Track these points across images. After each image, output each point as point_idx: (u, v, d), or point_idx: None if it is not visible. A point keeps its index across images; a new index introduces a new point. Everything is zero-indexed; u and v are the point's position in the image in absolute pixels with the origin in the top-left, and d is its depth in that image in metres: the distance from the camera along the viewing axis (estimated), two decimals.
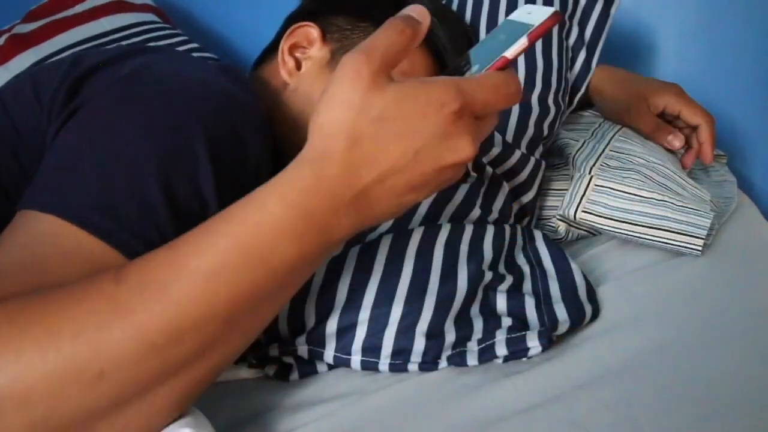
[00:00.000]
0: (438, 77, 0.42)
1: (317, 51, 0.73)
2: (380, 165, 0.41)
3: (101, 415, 0.38)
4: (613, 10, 0.86)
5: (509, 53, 0.44)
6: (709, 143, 0.79)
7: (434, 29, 0.76)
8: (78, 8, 1.07)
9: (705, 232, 0.65)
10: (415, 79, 0.41)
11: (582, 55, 0.84)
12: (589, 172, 0.73)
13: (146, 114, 0.50)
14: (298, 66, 0.73)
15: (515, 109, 0.75)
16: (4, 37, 1.04)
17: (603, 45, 0.85)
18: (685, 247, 0.66)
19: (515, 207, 0.72)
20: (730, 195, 0.79)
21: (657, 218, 0.68)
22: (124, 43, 1.03)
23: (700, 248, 0.65)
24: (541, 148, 0.75)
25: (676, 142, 0.79)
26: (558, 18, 0.45)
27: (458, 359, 0.51)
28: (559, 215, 0.75)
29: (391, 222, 0.62)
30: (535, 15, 0.46)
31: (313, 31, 0.73)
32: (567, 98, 0.82)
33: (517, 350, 0.50)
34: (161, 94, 0.51)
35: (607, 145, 0.77)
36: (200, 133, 0.49)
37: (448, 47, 0.76)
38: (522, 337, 0.50)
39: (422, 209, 0.64)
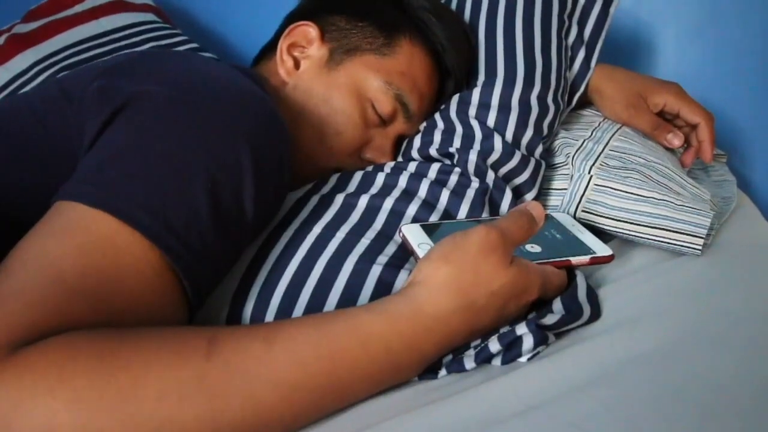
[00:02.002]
0: (532, 268, 0.51)
1: (316, 50, 0.74)
2: (475, 330, 0.49)
3: None
4: (612, 10, 0.86)
5: (574, 260, 0.57)
6: (709, 141, 0.79)
7: (433, 28, 0.76)
8: (77, 8, 1.07)
9: (705, 232, 0.65)
10: (524, 266, 0.50)
11: (581, 54, 0.84)
12: (589, 172, 0.73)
13: (199, 120, 0.50)
14: (297, 65, 0.74)
15: (515, 109, 0.75)
16: (4, 36, 1.04)
17: (602, 44, 0.85)
18: (686, 247, 0.66)
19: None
20: (729, 194, 0.79)
21: (657, 218, 0.68)
22: (124, 42, 1.02)
23: (700, 248, 0.65)
24: (540, 148, 0.75)
25: (676, 140, 0.79)
26: (612, 258, 0.59)
27: (457, 366, 0.50)
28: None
29: (378, 229, 0.62)
30: (587, 237, 0.61)
31: (311, 30, 0.75)
32: (566, 97, 0.82)
33: (509, 342, 0.50)
34: (216, 102, 0.52)
35: (607, 144, 0.77)
36: (248, 146, 0.50)
37: (446, 46, 0.76)
38: (512, 330, 0.50)
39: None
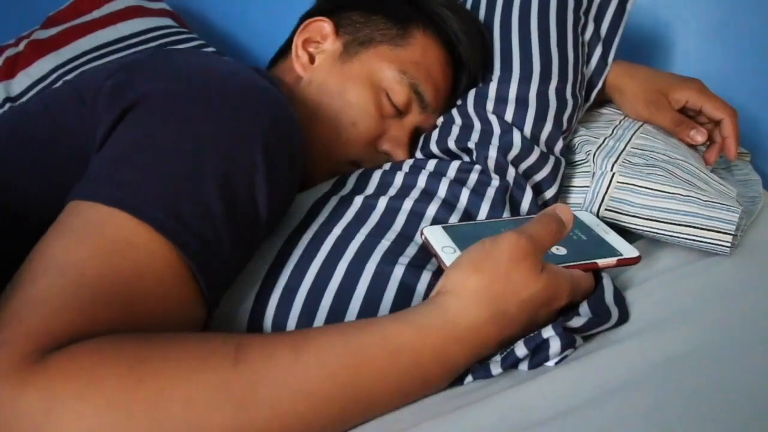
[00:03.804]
0: (562, 274, 0.51)
1: (330, 44, 0.75)
2: (504, 338, 0.48)
3: None
4: (629, 6, 0.85)
5: (600, 263, 0.56)
6: (733, 137, 0.78)
7: (447, 20, 0.77)
8: (95, 14, 1.08)
9: (734, 228, 0.63)
10: (553, 272, 0.49)
11: (598, 51, 0.83)
12: (611, 169, 0.72)
13: (211, 117, 0.50)
14: (312, 60, 0.76)
15: (532, 103, 0.74)
16: (24, 42, 1.05)
17: (619, 40, 0.84)
18: (714, 244, 0.64)
19: (539, 204, 0.71)
20: (756, 194, 0.77)
21: (684, 215, 0.66)
22: (142, 47, 1.03)
23: (729, 245, 0.64)
24: (560, 143, 0.74)
25: (699, 136, 0.77)
26: (639, 260, 0.58)
27: (483, 372, 0.49)
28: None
29: (398, 230, 0.61)
30: (614, 238, 0.59)
31: (326, 25, 0.76)
32: (584, 92, 0.81)
33: (535, 346, 0.49)
34: (228, 98, 0.52)
35: (629, 142, 0.76)
36: (260, 143, 0.50)
37: (460, 38, 0.77)
38: (538, 333, 0.49)
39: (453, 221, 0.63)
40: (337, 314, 0.54)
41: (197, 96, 0.52)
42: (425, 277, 0.57)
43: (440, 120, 0.77)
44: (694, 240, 0.66)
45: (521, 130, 0.73)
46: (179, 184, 0.47)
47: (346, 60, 0.74)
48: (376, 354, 0.43)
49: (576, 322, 0.50)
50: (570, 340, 0.50)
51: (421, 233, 0.57)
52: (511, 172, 0.69)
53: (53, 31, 1.06)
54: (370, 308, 0.55)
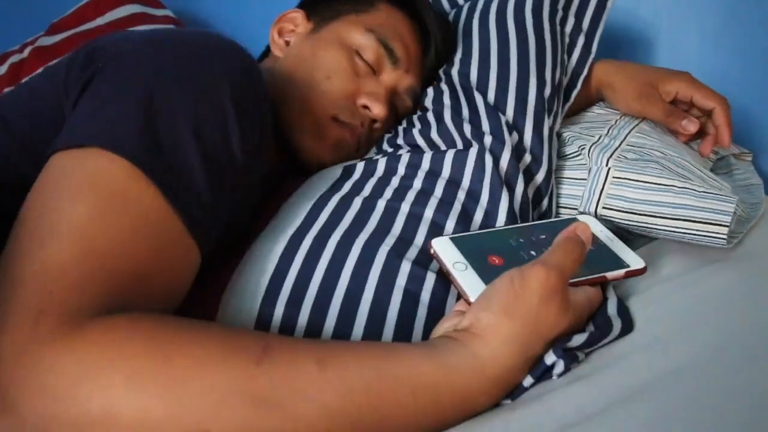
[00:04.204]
0: (583, 304, 0.50)
1: (302, 28, 0.82)
2: (526, 374, 0.47)
3: None
4: (610, 3, 0.87)
5: (609, 276, 0.55)
6: (726, 126, 0.77)
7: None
8: (99, 21, 1.10)
9: (729, 218, 0.63)
10: (578, 306, 0.49)
11: (581, 41, 0.85)
12: (606, 164, 0.72)
13: (178, 67, 0.52)
14: (287, 44, 0.82)
15: (512, 84, 0.77)
16: (28, 49, 1.07)
17: (602, 31, 0.86)
18: (710, 237, 0.64)
19: (530, 190, 0.71)
20: (757, 200, 0.76)
21: (679, 207, 0.65)
22: None
23: (725, 237, 0.63)
24: (547, 123, 0.75)
25: (691, 126, 0.77)
26: (645, 270, 0.57)
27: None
28: (580, 212, 0.73)
29: (397, 234, 0.62)
30: (619, 247, 0.58)
31: (297, 14, 0.83)
32: (567, 78, 0.83)
33: (541, 372, 0.47)
34: (192, 50, 0.54)
35: (623, 140, 0.76)
36: (227, 88, 0.52)
37: (422, 9, 0.82)
38: (542, 362, 0.48)
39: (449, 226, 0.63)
40: (345, 321, 0.54)
41: (163, 51, 0.54)
42: (429, 279, 0.57)
43: (429, 101, 0.80)
44: (690, 234, 0.65)
45: (504, 112, 0.74)
46: (155, 128, 0.48)
47: (316, 32, 0.80)
48: (399, 386, 0.43)
49: (576, 341, 0.49)
50: (572, 358, 0.49)
51: (430, 246, 0.56)
52: (505, 156, 0.70)
53: (57, 37, 1.08)
54: (376, 313, 0.55)
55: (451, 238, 0.56)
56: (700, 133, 0.81)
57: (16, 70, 1.05)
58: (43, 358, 0.37)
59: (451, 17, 0.91)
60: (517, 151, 0.72)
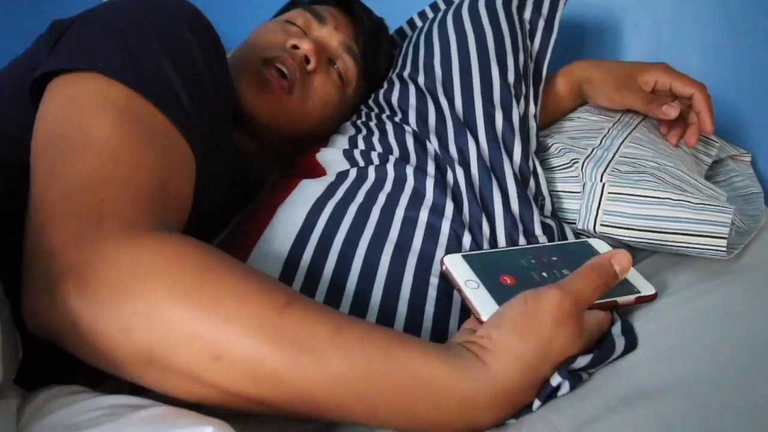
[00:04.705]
0: (593, 319, 0.50)
1: None
2: (533, 395, 0.47)
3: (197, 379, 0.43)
4: None
5: (620, 301, 0.54)
6: (707, 111, 0.78)
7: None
8: None
9: (726, 230, 0.63)
10: (590, 331, 0.49)
11: (541, 24, 0.87)
12: (601, 180, 0.72)
13: (138, 12, 0.58)
14: None
15: (476, 74, 0.79)
16: None
17: (562, 13, 0.88)
18: (710, 250, 0.64)
19: (516, 168, 0.73)
20: (757, 211, 0.75)
21: (676, 221, 0.65)
22: None
23: (724, 249, 0.63)
24: (516, 108, 0.77)
25: (672, 111, 0.77)
26: (656, 297, 0.57)
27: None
28: (579, 230, 0.73)
29: (395, 239, 0.63)
30: (631, 273, 0.56)
31: None
32: (533, 63, 0.84)
33: (547, 394, 0.47)
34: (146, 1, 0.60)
35: (617, 151, 0.76)
36: (186, 23, 0.59)
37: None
38: (548, 384, 0.47)
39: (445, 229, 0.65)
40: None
41: (120, 3, 0.60)
42: (431, 291, 0.59)
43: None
44: (690, 247, 0.65)
45: (470, 92, 0.78)
46: (135, 55, 0.54)
47: None
48: (405, 375, 0.43)
49: (580, 363, 0.48)
50: (577, 378, 0.48)
51: (442, 263, 0.55)
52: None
53: None
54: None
55: (464, 256, 0.55)
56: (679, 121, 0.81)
57: None
58: (106, 251, 0.43)
59: (414, 36, 0.93)
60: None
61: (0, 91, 0.62)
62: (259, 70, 0.77)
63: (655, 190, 0.68)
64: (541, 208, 0.74)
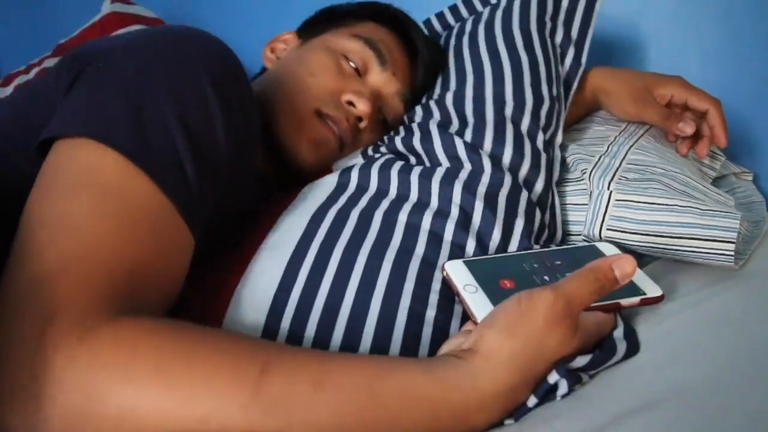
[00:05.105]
0: (591, 321, 0.50)
1: (292, 44, 0.86)
2: (528, 395, 0.47)
3: None
4: (597, 6, 0.88)
5: (624, 302, 0.54)
6: (721, 125, 0.79)
7: (395, 14, 0.84)
8: None
9: (734, 235, 0.63)
10: (585, 331, 0.49)
11: (571, 52, 0.86)
12: (608, 187, 0.72)
13: (159, 60, 0.54)
14: (279, 59, 0.85)
15: (509, 100, 0.77)
16: (34, 70, 1.08)
17: (590, 41, 0.87)
18: (718, 254, 0.64)
19: (538, 213, 0.71)
20: (759, 218, 0.76)
21: (684, 227, 0.65)
22: None
23: (732, 254, 0.63)
24: (541, 137, 0.76)
25: (687, 128, 0.78)
26: (662, 299, 0.56)
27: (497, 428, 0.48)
28: (584, 236, 0.74)
29: (423, 250, 0.62)
30: (637, 275, 0.56)
31: (289, 36, 0.87)
32: (563, 90, 0.83)
33: (544, 392, 0.47)
34: (172, 43, 0.56)
35: (623, 158, 0.76)
36: (208, 76, 0.54)
37: (409, 25, 0.83)
38: (544, 380, 0.48)
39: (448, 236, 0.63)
40: (351, 337, 0.54)
41: (143, 46, 0.56)
42: (433, 298, 0.57)
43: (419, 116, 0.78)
44: (697, 252, 0.65)
45: (504, 127, 0.75)
46: (142, 118, 0.49)
47: (305, 43, 0.83)
48: (395, 404, 0.43)
49: (579, 362, 0.49)
50: (576, 378, 0.49)
51: (443, 269, 0.56)
52: (509, 176, 0.70)
53: None
54: (384, 332, 0.55)
55: (465, 262, 0.56)
56: (697, 140, 0.82)
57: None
58: (57, 361, 0.39)
59: (442, 39, 0.92)
60: (513, 166, 0.72)
61: (6, 126, 0.58)
62: (311, 121, 0.74)
63: (662, 197, 0.69)
64: (550, 239, 0.73)
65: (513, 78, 0.79)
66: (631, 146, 0.79)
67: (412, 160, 0.74)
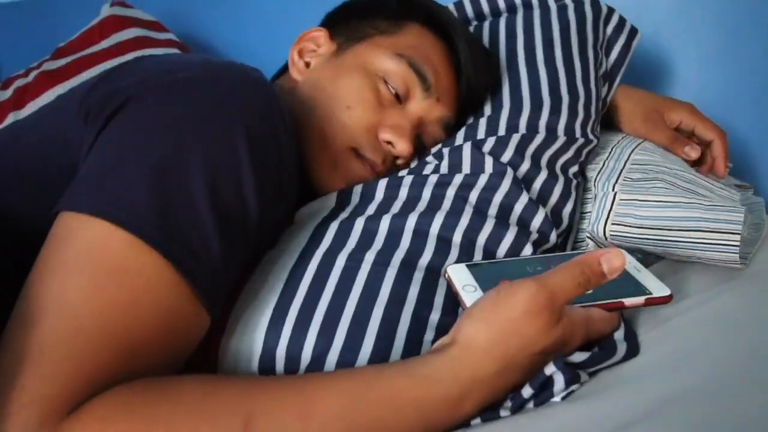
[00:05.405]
0: (580, 315, 0.49)
1: (325, 48, 0.76)
2: (515, 384, 0.48)
3: None
4: (634, 42, 0.89)
5: (627, 302, 0.53)
6: (722, 158, 0.81)
7: (442, 15, 0.76)
8: (104, 44, 1.10)
9: (740, 226, 0.64)
10: (569, 322, 0.48)
11: (604, 89, 0.86)
12: (613, 189, 0.73)
13: (193, 115, 0.50)
14: (307, 66, 0.76)
15: (561, 136, 0.75)
16: (34, 73, 1.07)
17: (621, 78, 0.87)
18: (723, 245, 0.64)
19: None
20: (759, 221, 0.77)
21: (689, 220, 0.66)
22: None
23: (737, 245, 0.63)
24: (575, 169, 0.77)
25: (693, 152, 0.80)
26: (670, 299, 0.55)
27: (491, 414, 0.49)
28: (588, 234, 0.74)
29: (430, 255, 0.61)
30: (644, 275, 0.56)
31: (319, 33, 0.77)
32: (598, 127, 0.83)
33: (540, 384, 0.48)
34: (209, 92, 0.52)
35: (627, 160, 0.78)
36: (244, 138, 0.50)
37: (457, 33, 0.75)
38: (541, 372, 0.48)
39: (456, 238, 0.63)
40: (352, 348, 0.54)
41: (179, 92, 0.51)
42: (438, 301, 0.57)
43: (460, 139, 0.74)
44: (702, 243, 0.65)
45: (541, 156, 0.74)
46: (165, 192, 0.46)
47: (340, 55, 0.74)
48: (382, 412, 0.44)
49: (578, 357, 0.50)
50: (573, 374, 0.49)
51: (445, 272, 0.56)
52: (524, 197, 0.68)
53: (62, 62, 1.08)
54: (385, 343, 0.54)
55: (468, 265, 0.56)
56: (700, 161, 0.83)
57: (21, 93, 1.05)
58: None
59: (472, 28, 0.88)
60: (543, 193, 0.71)
61: (21, 159, 0.56)
62: (347, 160, 0.70)
63: (666, 195, 0.70)
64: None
65: (569, 113, 0.77)
66: (635, 148, 0.80)
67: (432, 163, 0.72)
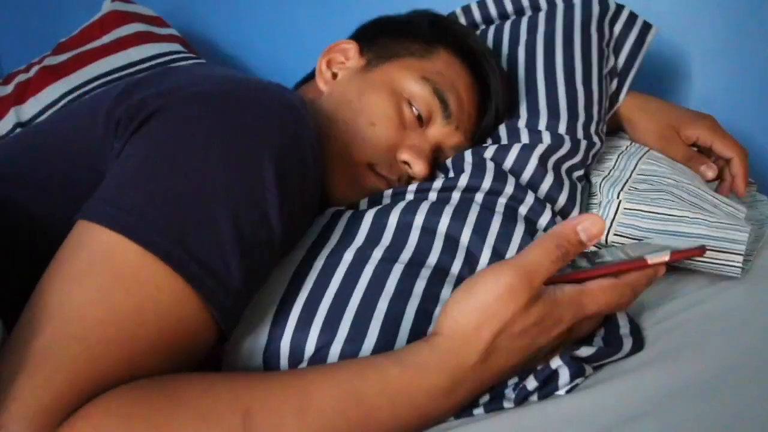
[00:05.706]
0: (565, 293, 0.47)
1: (354, 62, 0.76)
2: (504, 370, 0.48)
3: None
4: (649, 38, 0.86)
5: (651, 260, 0.49)
6: (742, 177, 0.78)
7: (470, 43, 0.77)
8: (105, 39, 1.10)
9: (743, 247, 0.63)
10: (550, 300, 0.47)
11: (613, 85, 0.84)
12: (617, 197, 0.72)
13: (221, 133, 0.50)
14: (334, 76, 0.77)
15: (566, 143, 0.74)
16: (35, 68, 1.07)
17: (634, 76, 0.85)
18: (725, 266, 0.64)
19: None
20: (763, 217, 0.77)
21: (692, 237, 0.66)
22: (151, 72, 1.04)
23: (740, 266, 0.63)
24: (581, 173, 0.76)
25: (709, 172, 0.78)
26: (703, 251, 0.51)
27: (494, 405, 0.49)
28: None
29: (435, 260, 0.60)
30: (680, 244, 0.54)
31: (350, 46, 0.78)
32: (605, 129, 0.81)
33: (545, 377, 0.49)
34: (238, 111, 0.51)
35: (634, 169, 0.76)
36: (272, 161, 0.50)
37: (486, 65, 0.76)
38: (547, 365, 0.49)
39: (464, 239, 0.62)
40: (355, 341, 0.54)
41: (207, 108, 0.51)
42: (444, 296, 0.57)
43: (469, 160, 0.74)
44: (704, 262, 0.65)
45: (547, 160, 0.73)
46: (187, 209, 0.46)
47: (368, 71, 0.74)
48: (378, 402, 0.45)
49: (584, 352, 0.50)
50: (579, 368, 0.49)
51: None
52: (529, 198, 0.68)
53: (63, 57, 1.07)
54: (390, 335, 0.54)
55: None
56: (719, 176, 0.81)
57: (23, 89, 1.05)
58: None
59: (479, 31, 0.88)
60: (549, 196, 0.70)
61: (48, 166, 0.56)
62: (364, 174, 0.70)
63: (671, 208, 0.69)
64: None
65: (568, 118, 0.77)
66: (642, 156, 0.79)
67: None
